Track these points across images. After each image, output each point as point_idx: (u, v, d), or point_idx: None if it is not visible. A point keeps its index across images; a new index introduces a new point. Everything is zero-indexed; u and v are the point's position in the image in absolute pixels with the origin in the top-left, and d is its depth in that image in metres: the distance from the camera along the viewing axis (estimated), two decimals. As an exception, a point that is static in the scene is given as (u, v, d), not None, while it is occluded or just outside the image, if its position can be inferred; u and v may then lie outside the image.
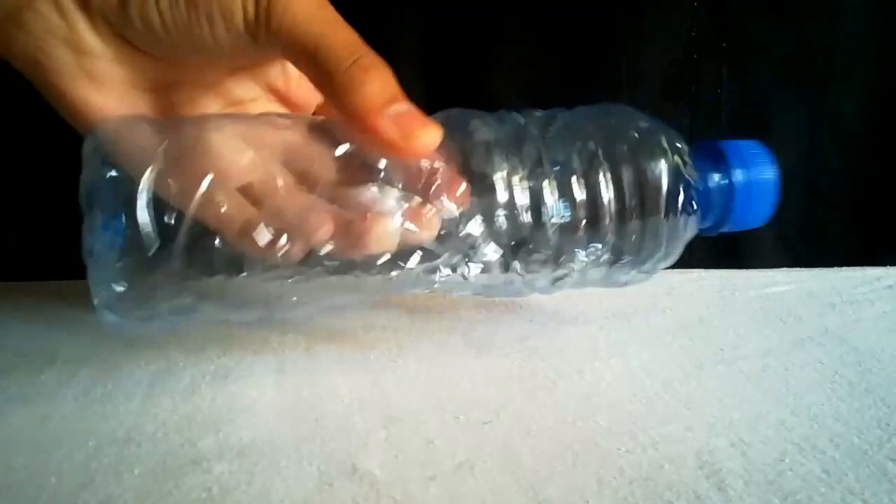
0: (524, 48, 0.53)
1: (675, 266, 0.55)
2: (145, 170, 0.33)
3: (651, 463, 0.32)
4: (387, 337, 0.45)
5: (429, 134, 0.33)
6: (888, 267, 0.53)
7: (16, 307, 0.49)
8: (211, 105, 0.40)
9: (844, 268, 0.54)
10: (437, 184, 0.35)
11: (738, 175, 0.40)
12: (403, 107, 0.33)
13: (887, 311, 0.47)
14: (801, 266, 0.56)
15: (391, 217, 0.34)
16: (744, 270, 0.55)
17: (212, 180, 0.33)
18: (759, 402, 0.37)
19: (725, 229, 0.42)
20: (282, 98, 0.41)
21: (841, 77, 0.54)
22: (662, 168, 0.38)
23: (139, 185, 0.32)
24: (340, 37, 0.34)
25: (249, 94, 0.40)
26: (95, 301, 0.33)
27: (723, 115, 0.54)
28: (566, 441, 0.34)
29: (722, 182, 0.40)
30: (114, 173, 0.33)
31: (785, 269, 0.55)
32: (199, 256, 0.33)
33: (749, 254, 0.56)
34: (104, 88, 0.36)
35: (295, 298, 0.36)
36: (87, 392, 0.39)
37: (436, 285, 0.38)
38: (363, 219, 0.33)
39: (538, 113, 0.40)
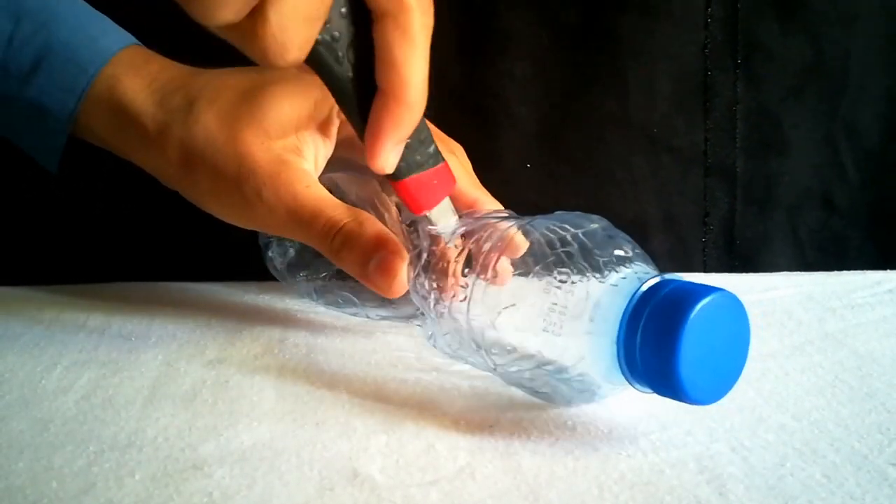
0: (536, 62, 0.53)
1: (680, 270, 0.55)
2: None
3: (652, 468, 0.32)
4: (388, 341, 0.45)
5: (397, 284, 0.39)
6: (888, 271, 0.53)
7: (17, 312, 0.49)
8: None
9: (845, 271, 0.54)
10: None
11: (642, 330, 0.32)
12: (372, 266, 0.39)
13: (887, 315, 0.47)
14: None
15: None
16: (745, 274, 0.55)
17: None
18: (760, 407, 0.37)
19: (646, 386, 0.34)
20: None
21: (857, 85, 0.53)
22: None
23: None
24: (320, 220, 0.40)
25: None
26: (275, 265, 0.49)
27: (737, 130, 0.53)
28: (567, 446, 0.34)
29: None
30: None
31: (785, 272, 0.55)
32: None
33: (766, 269, 0.56)
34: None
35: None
36: (89, 397, 0.39)
37: None
38: None
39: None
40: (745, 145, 0.53)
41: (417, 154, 0.36)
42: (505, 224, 0.37)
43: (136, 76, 0.44)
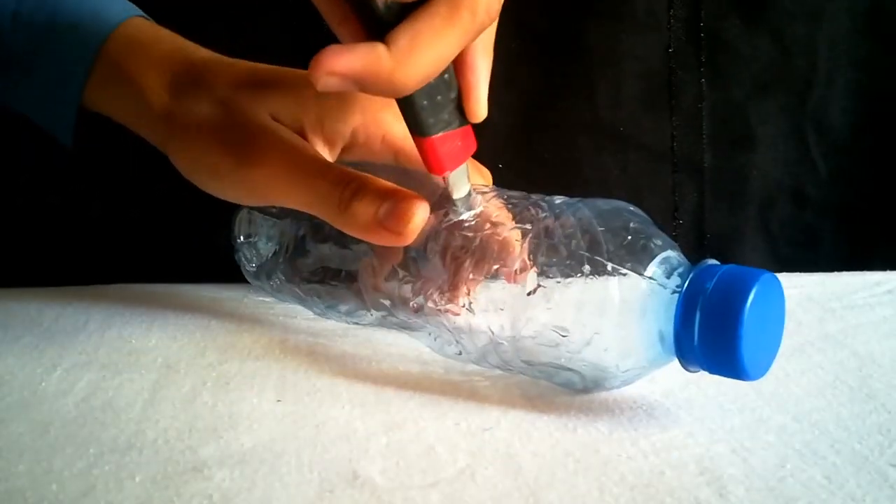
0: (502, 67, 0.53)
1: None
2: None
3: (652, 469, 0.32)
4: (388, 343, 0.45)
5: (416, 221, 0.36)
6: (888, 272, 0.53)
7: (17, 313, 0.49)
8: None
9: (844, 272, 0.54)
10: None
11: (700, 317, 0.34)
12: (386, 207, 0.37)
13: (887, 315, 0.47)
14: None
15: None
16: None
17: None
18: (760, 408, 0.37)
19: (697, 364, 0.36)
20: None
21: (824, 80, 0.54)
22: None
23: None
24: (321, 183, 0.38)
25: None
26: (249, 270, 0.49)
27: (704, 126, 0.54)
28: (567, 447, 0.34)
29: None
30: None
31: (785, 273, 0.55)
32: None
33: (738, 264, 0.56)
34: None
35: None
36: (88, 399, 0.39)
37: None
38: None
39: (557, 200, 0.40)
40: (713, 141, 0.54)
41: (446, 112, 0.36)
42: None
43: (134, 53, 0.43)
